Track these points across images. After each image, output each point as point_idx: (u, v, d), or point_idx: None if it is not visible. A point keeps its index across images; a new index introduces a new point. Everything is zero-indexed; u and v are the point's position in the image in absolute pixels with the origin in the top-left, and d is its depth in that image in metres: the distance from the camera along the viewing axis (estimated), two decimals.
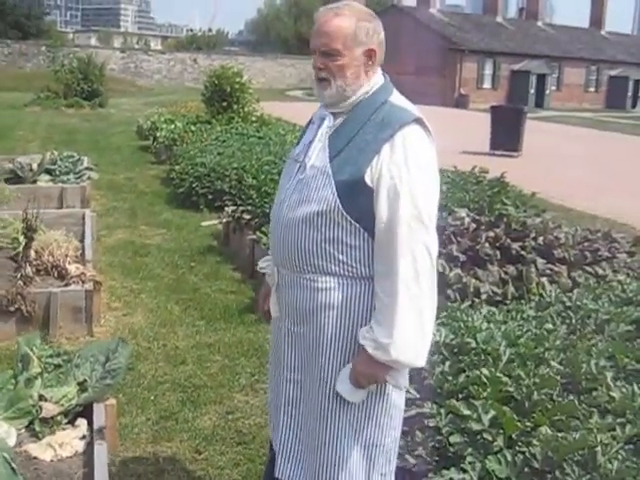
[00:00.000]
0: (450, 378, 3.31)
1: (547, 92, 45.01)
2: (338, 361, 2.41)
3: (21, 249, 5.41)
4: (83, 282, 5.40)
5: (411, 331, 2.27)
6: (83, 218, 7.53)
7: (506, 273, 5.63)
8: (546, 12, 61.56)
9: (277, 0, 78.21)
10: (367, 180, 2.30)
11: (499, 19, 49.32)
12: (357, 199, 2.32)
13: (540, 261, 5.77)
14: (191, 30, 73.47)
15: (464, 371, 3.37)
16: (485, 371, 3.12)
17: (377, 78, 2.48)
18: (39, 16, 45.95)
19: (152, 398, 4.51)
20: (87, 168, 10.30)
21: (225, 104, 15.35)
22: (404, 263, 2.25)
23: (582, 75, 48.98)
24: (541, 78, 44.63)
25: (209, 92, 15.54)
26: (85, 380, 3.58)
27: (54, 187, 9.28)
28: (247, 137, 13.38)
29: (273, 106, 23.18)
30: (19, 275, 5.27)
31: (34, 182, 9.59)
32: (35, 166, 9.50)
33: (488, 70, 44.43)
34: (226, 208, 8.34)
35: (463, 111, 37.01)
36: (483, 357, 3.43)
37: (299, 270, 2.43)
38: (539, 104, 43.05)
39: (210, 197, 9.71)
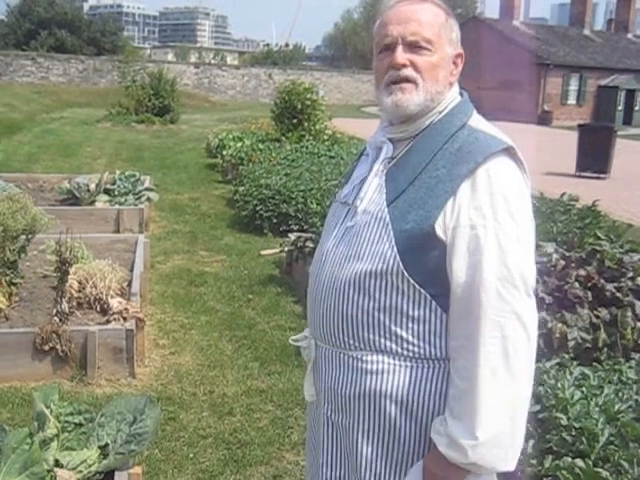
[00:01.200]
0: (534, 461, 2.79)
1: (636, 108, 43.50)
2: (392, 464, 1.91)
3: (56, 283, 5.07)
4: (125, 319, 5.04)
5: (497, 429, 1.74)
6: (136, 244, 7.23)
7: (598, 317, 5.06)
8: (637, 24, 59.77)
9: (355, 14, 78.30)
10: (439, 231, 1.80)
11: (586, 32, 48.00)
12: (424, 256, 1.83)
13: (638, 304, 5.18)
14: (267, 45, 73.83)
15: (552, 453, 2.84)
16: (580, 462, 2.58)
17: (453, 94, 2.00)
18: (114, 32, 46.76)
19: (192, 456, 4.09)
20: (147, 189, 10.06)
21: (295, 121, 15.04)
22: (490, 342, 1.74)
23: None
24: (630, 94, 43.15)
25: (279, 109, 15.25)
26: (107, 444, 3.18)
27: (111, 209, 9.06)
28: (318, 156, 13.03)
29: (348, 123, 22.87)
30: (54, 311, 4.94)
31: (92, 203, 9.39)
32: (93, 186, 9.30)
33: (573, 85, 43.23)
34: (289, 235, 7.93)
35: (546, 128, 35.98)
36: (575, 435, 2.89)
37: (344, 346, 1.94)
38: (627, 121, 41.63)
39: (275, 221, 9.34)
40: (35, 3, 44.24)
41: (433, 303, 1.85)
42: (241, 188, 10.28)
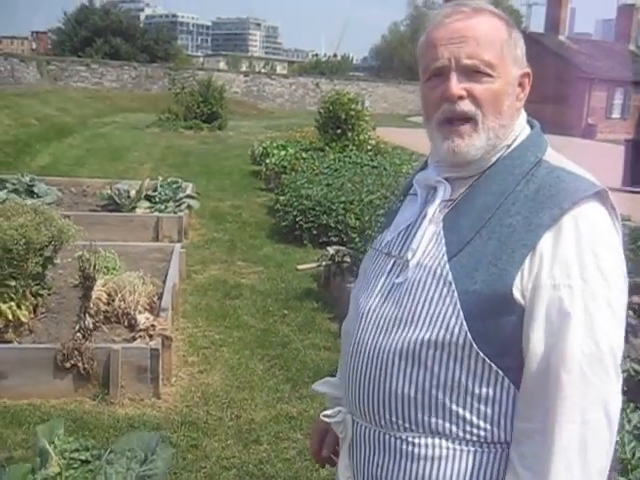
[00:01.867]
0: None
1: None
2: None
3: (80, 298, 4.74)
4: (151, 336, 4.69)
5: None
6: (171, 254, 6.91)
7: None
8: None
9: (401, 27, 77.81)
10: (516, 293, 1.43)
11: (632, 47, 46.91)
12: (497, 324, 1.45)
13: None
14: (316, 55, 73.72)
15: None
16: None
17: (522, 122, 1.62)
18: (167, 40, 46.96)
19: None
20: (188, 196, 9.76)
21: (339, 131, 14.64)
22: (568, 429, 1.37)
23: None
24: None
25: (323, 118, 14.87)
26: None
27: (150, 216, 8.78)
28: (361, 166, 12.67)
29: (393, 132, 22.42)
30: (77, 327, 4.61)
31: (133, 209, 9.12)
32: (133, 193, 9.02)
33: (618, 99, 42.21)
34: (328, 248, 7.55)
35: (590, 142, 35.10)
36: None
37: (390, 426, 1.54)
38: None
39: (314, 232, 8.95)
40: (91, 11, 44.74)
41: (505, 380, 1.46)
42: (282, 198, 9.92)
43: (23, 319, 4.79)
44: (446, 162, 1.60)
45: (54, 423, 3.00)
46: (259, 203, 11.91)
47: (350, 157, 13.51)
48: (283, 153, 14.01)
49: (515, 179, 1.51)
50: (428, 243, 1.55)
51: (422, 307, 1.50)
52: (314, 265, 7.39)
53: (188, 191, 10.19)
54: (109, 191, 9.20)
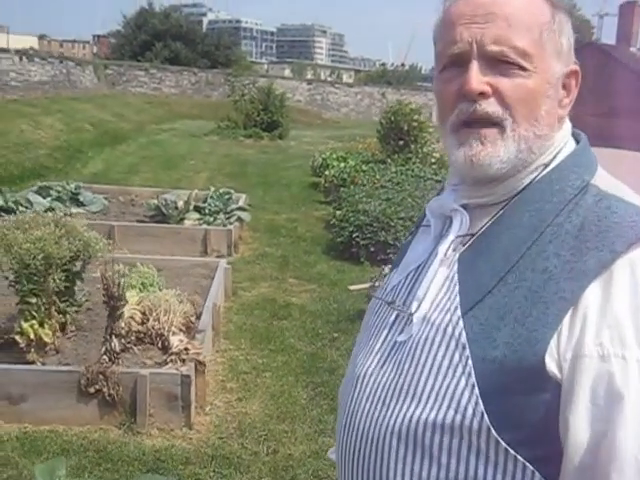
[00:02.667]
0: None
1: None
2: None
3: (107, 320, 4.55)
4: (183, 361, 4.48)
5: None
6: (216, 270, 6.73)
7: None
8: None
9: None
10: (549, 363, 1.11)
11: None
12: (524, 403, 1.13)
13: None
14: (383, 64, 73.60)
15: None
16: None
17: (564, 136, 1.30)
18: (229, 46, 47.21)
19: None
20: (239, 208, 9.59)
21: (402, 143, 14.33)
22: None
23: None
24: None
25: (384, 129, 14.59)
26: None
27: (199, 229, 8.64)
28: (424, 180, 12.34)
29: None
30: (103, 349, 4.42)
31: (181, 221, 8.99)
32: (181, 204, 8.88)
33: None
34: (384, 267, 7.26)
35: None
36: None
37: None
38: None
39: (372, 249, 8.67)
40: (151, 15, 45.23)
41: (536, 476, 1.13)
42: (338, 212, 9.68)
43: (46, 339, 4.63)
44: (464, 179, 1.30)
45: (55, 463, 2.77)
46: (316, 217, 11.68)
47: (413, 170, 13.19)
48: (343, 165, 13.78)
49: (554, 209, 1.20)
50: (438, 291, 1.25)
51: (427, 376, 1.20)
52: (367, 285, 7.10)
53: (240, 202, 10.04)
54: (156, 201, 9.08)
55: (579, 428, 1.08)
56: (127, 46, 43.48)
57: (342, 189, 11.58)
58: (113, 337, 4.40)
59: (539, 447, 1.13)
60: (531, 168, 1.25)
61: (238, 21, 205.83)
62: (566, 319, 1.11)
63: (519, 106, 1.20)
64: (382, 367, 1.28)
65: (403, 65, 72.46)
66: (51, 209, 8.24)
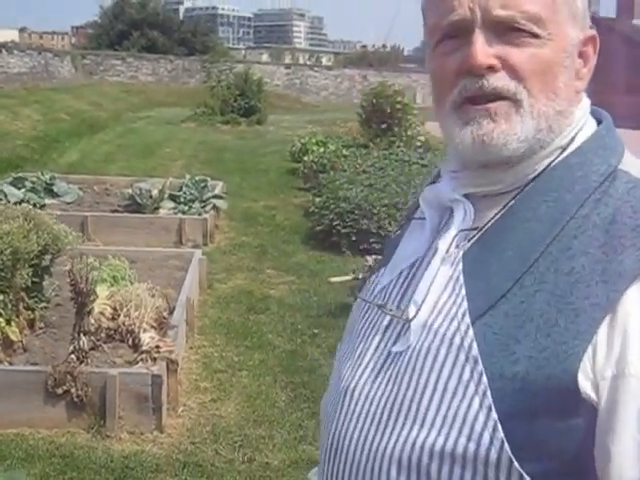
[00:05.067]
0: None
1: None
2: None
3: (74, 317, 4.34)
4: (154, 359, 4.27)
5: None
6: (190, 261, 6.51)
7: None
8: None
9: None
10: (583, 382, 0.93)
11: None
12: (551, 429, 0.94)
13: None
14: (364, 46, 73.31)
15: None
16: None
17: (584, 113, 1.12)
18: (205, 33, 47.01)
19: None
20: (215, 196, 9.35)
21: (385, 126, 14.10)
22: None
23: None
24: None
25: (366, 112, 14.35)
26: None
27: (173, 218, 8.42)
28: (409, 164, 12.13)
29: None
30: (71, 348, 4.21)
31: (156, 210, 8.76)
32: (155, 193, 8.64)
33: None
34: (367, 257, 7.07)
35: None
36: None
37: None
38: None
39: (353, 238, 8.44)
40: (127, 4, 45.04)
41: None
42: (318, 199, 9.46)
43: (13, 337, 4.42)
44: (467, 164, 1.10)
45: (15, 475, 2.58)
46: (295, 204, 11.46)
47: (397, 154, 12.97)
48: (322, 150, 13.55)
49: (577, 199, 1.02)
50: (440, 294, 1.06)
51: (431, 394, 1.00)
52: (349, 277, 6.90)
53: (216, 190, 9.80)
54: (130, 190, 8.84)
55: (625, 463, 0.91)
56: (104, 36, 43.43)
57: (322, 175, 11.34)
58: (82, 335, 4.19)
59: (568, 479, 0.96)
60: (547, 151, 1.06)
61: (215, 8, 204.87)
62: (602, 330, 0.93)
63: (534, 79, 1.01)
64: (375, 381, 1.08)
65: (384, 46, 72.15)
66: (25, 201, 8.05)
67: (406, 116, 14.31)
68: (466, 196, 1.11)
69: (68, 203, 9.26)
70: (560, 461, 0.94)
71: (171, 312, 5.15)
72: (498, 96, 1.02)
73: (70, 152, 15.98)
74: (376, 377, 1.09)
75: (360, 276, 6.65)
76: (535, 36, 1.01)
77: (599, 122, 1.12)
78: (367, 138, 14.24)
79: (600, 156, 1.05)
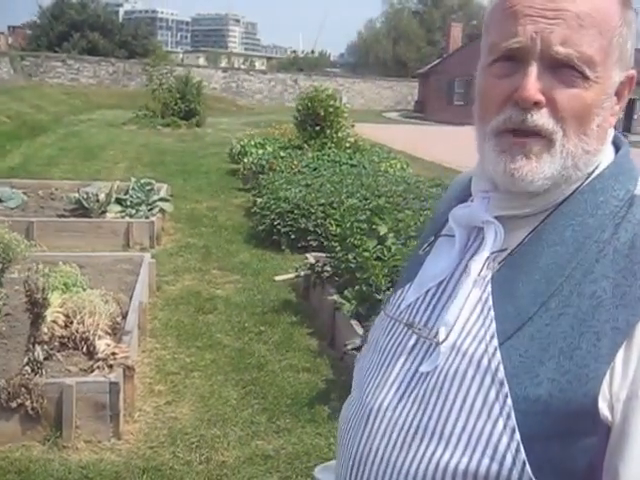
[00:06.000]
0: None
1: (635, 117, 42.29)
2: None
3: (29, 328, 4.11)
4: (110, 367, 4.09)
5: None
6: (141, 265, 6.31)
7: None
8: None
9: (377, 24, 77.32)
10: (602, 404, 0.92)
11: None
12: (569, 448, 0.92)
13: None
14: (294, 52, 73.06)
15: None
16: None
17: (608, 144, 1.10)
18: (145, 36, 46.03)
19: None
20: (161, 199, 9.13)
21: (318, 128, 14.04)
22: None
23: None
24: (630, 103, 41.86)
25: (301, 115, 14.25)
26: None
27: (120, 221, 8.16)
28: (340, 165, 12.14)
29: (369, 128, 21.97)
30: (26, 360, 3.99)
31: (103, 214, 8.49)
32: (102, 196, 8.38)
33: None
34: (307, 256, 6.99)
35: None
36: None
37: None
38: (627, 129, 40.54)
39: (293, 237, 8.35)
40: (67, 5, 43.64)
41: None
42: (259, 200, 9.32)
43: None
44: (500, 186, 1.06)
45: None
46: (236, 204, 11.30)
47: (329, 155, 12.99)
48: (261, 152, 13.42)
49: (599, 224, 1.00)
50: (469, 315, 1.03)
51: (457, 416, 0.98)
52: (292, 276, 6.81)
53: (162, 193, 9.57)
54: (77, 194, 8.55)
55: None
56: (43, 37, 41.94)
57: (261, 176, 11.23)
58: (36, 346, 3.97)
59: None
60: (572, 179, 1.04)
61: (154, 11, 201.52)
62: (620, 353, 0.92)
63: (572, 119, 1.00)
64: (400, 401, 1.05)
65: (313, 52, 71.93)
66: None
67: (337, 119, 14.26)
68: (496, 217, 1.07)
69: (12, 208, 8.88)
70: (572, 479, 0.94)
71: (124, 317, 4.96)
72: (537, 133, 1.00)
73: (12, 155, 15.40)
74: (402, 396, 1.05)
75: (302, 274, 6.57)
76: (585, 78, 0.98)
77: (617, 147, 1.11)
78: (302, 140, 14.18)
79: (620, 182, 1.04)
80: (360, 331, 4.92)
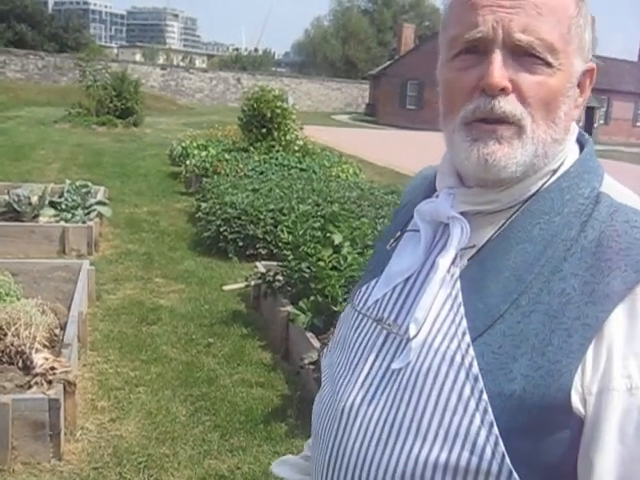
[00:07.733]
0: None
1: (595, 126, 43.46)
2: None
3: None
4: (50, 382, 3.98)
5: None
6: (79, 273, 6.19)
7: None
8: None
9: (325, 22, 77.61)
10: (575, 398, 0.97)
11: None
12: (543, 442, 0.98)
13: None
14: (237, 49, 72.89)
15: None
16: None
17: (573, 137, 1.16)
18: (78, 29, 45.25)
19: None
20: (99, 202, 8.97)
21: (265, 130, 14.00)
22: None
23: (631, 109, 47.84)
24: (590, 111, 43.10)
25: (247, 116, 14.19)
26: None
27: (55, 226, 7.99)
28: (288, 169, 12.17)
29: (317, 131, 22.00)
30: None
31: (35, 218, 8.31)
32: (35, 199, 8.19)
33: None
34: (257, 264, 6.94)
35: None
36: None
37: None
38: None
39: (241, 244, 8.29)
40: None
41: None
42: (203, 204, 9.23)
43: None
44: (471, 176, 1.11)
45: None
46: (179, 209, 11.19)
47: (277, 159, 12.98)
48: (204, 154, 13.33)
49: (565, 222, 1.06)
50: (439, 311, 1.07)
51: (432, 411, 1.02)
52: (242, 285, 6.74)
53: (99, 196, 9.41)
54: (7, 197, 8.34)
55: (605, 471, 0.95)
56: None
57: (205, 179, 11.16)
58: None
59: None
60: (540, 174, 1.09)
61: (86, 2, 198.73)
62: (590, 348, 0.98)
63: (539, 106, 1.05)
64: (374, 398, 1.09)
65: (257, 50, 71.91)
66: None
67: (285, 121, 14.25)
68: (462, 213, 1.11)
69: None
70: (547, 472, 0.98)
71: (62, 328, 4.85)
72: (505, 119, 1.04)
73: None
74: (375, 393, 1.09)
75: (252, 283, 6.53)
76: (547, 64, 1.03)
77: (581, 145, 1.16)
78: (247, 142, 14.14)
79: (585, 180, 1.09)
80: (317, 344, 4.90)
